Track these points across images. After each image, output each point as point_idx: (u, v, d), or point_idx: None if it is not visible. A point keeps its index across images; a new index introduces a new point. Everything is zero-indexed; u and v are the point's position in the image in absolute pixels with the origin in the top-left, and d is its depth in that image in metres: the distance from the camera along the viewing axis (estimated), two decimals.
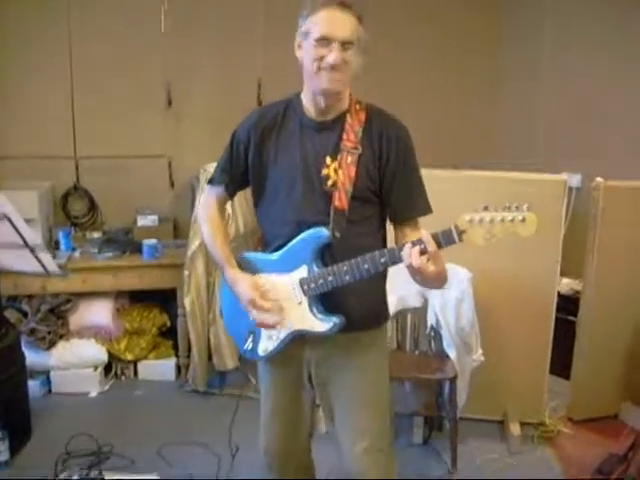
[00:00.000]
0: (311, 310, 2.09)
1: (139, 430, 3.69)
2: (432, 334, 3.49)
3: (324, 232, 2.03)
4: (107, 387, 4.25)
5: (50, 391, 4.15)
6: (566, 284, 4.20)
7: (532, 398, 3.72)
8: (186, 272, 4.01)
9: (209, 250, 2.33)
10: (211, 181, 2.30)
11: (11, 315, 4.06)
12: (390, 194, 2.11)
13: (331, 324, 2.06)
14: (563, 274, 3.74)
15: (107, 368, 4.30)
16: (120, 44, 4.60)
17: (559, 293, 3.72)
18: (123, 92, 4.65)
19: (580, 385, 3.79)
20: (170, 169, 4.82)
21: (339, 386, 2.23)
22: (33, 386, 3.91)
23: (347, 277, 1.99)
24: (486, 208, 1.81)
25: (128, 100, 4.67)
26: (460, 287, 3.31)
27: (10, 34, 4.47)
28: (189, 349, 4.19)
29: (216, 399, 4.06)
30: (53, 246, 4.33)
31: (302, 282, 2.07)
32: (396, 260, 1.94)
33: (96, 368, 4.21)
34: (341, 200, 2.03)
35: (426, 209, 2.14)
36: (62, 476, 3.15)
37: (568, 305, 3.98)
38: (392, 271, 2.11)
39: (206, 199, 2.33)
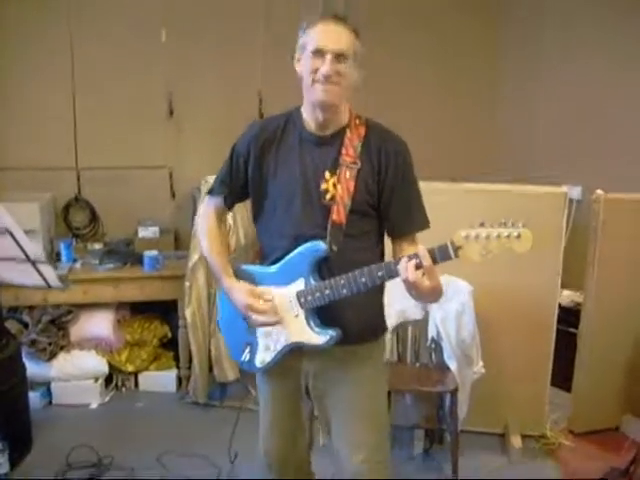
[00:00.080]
0: (308, 323, 2.09)
1: (140, 441, 3.68)
2: (433, 346, 3.49)
3: (321, 246, 2.04)
4: (108, 398, 4.24)
5: (51, 402, 4.14)
6: (567, 296, 4.19)
7: (533, 410, 3.72)
8: (187, 283, 4.01)
9: (207, 261, 2.34)
10: (210, 192, 2.32)
11: (12, 326, 4.06)
12: (388, 208, 2.12)
13: (328, 337, 2.07)
14: (564, 286, 3.73)
15: (108, 379, 4.30)
16: (121, 55, 4.62)
17: (560, 305, 3.71)
18: (124, 103, 4.67)
19: (581, 397, 3.78)
20: (171, 180, 4.83)
21: (336, 399, 2.23)
22: (34, 397, 3.91)
23: (344, 290, 2.00)
24: (482, 224, 1.82)
25: (129, 111, 4.69)
26: (461, 299, 3.31)
27: (11, 35, 4.50)
28: (190, 360, 4.19)
29: (217, 411, 4.05)
30: (54, 257, 4.33)
31: (299, 295, 2.08)
32: (392, 274, 1.95)
33: (97, 379, 4.20)
34: (339, 214, 2.05)
35: (424, 224, 2.15)
36: None
37: (569, 317, 3.97)
38: (392, 283, 2.11)
39: (205, 210, 2.35)
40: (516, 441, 3.60)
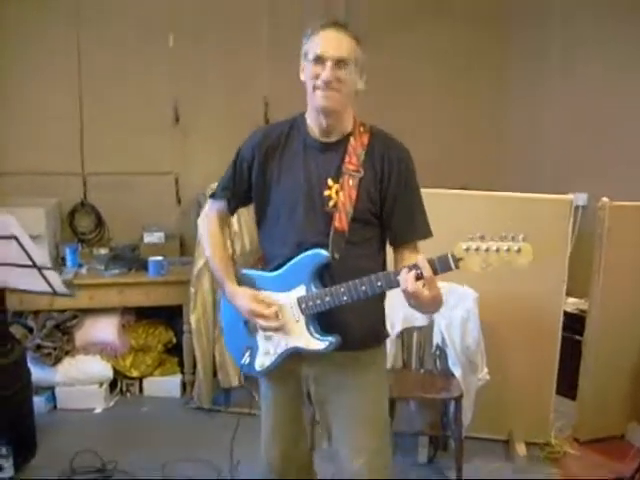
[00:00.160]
0: (308, 329, 2.10)
1: (144, 447, 3.68)
2: (437, 353, 3.48)
3: (323, 253, 2.04)
4: (112, 403, 4.25)
5: (55, 407, 4.15)
6: (572, 303, 4.19)
7: (538, 418, 3.70)
8: (192, 289, 4.01)
9: (209, 264, 2.35)
10: (213, 196, 2.32)
11: (17, 331, 4.07)
12: (391, 217, 2.12)
13: (327, 343, 2.07)
14: (569, 293, 3.73)
15: (112, 384, 4.31)
16: (127, 61, 4.64)
17: (565, 312, 3.71)
18: (130, 109, 4.69)
19: (586, 405, 3.77)
20: (177, 186, 4.84)
21: (337, 405, 2.23)
22: (38, 402, 3.92)
23: (345, 298, 2.00)
24: (482, 237, 1.82)
25: (135, 117, 4.71)
26: (466, 306, 3.31)
27: (11, 35, 4.53)
28: (194, 366, 4.19)
29: (221, 416, 4.05)
30: (60, 262, 4.35)
31: (300, 301, 2.09)
32: (392, 284, 1.95)
33: (101, 384, 4.21)
34: (341, 222, 2.05)
35: (426, 233, 2.15)
36: None
37: (574, 324, 3.97)
38: (396, 291, 2.12)
39: (207, 214, 2.35)
40: (520, 449, 3.59)
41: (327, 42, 1.99)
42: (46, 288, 2.53)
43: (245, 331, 2.23)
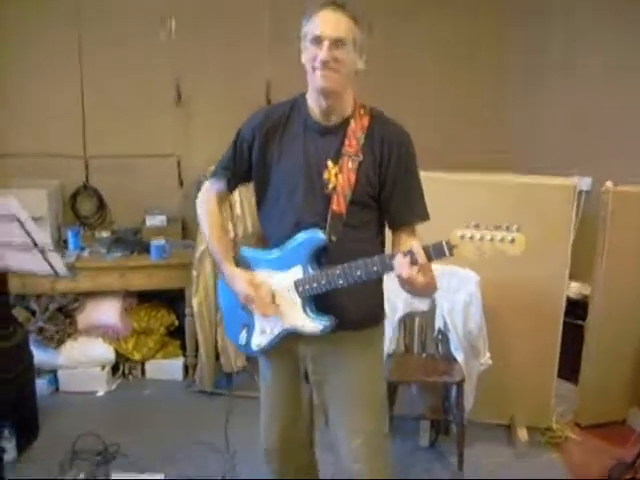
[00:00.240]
0: (304, 310, 2.11)
1: (146, 429, 3.70)
2: (440, 337, 3.49)
3: (320, 235, 2.05)
4: (114, 386, 4.26)
5: (58, 390, 4.17)
6: (575, 288, 4.18)
7: (539, 403, 3.71)
8: (194, 272, 4.01)
9: (207, 243, 2.35)
10: (213, 175, 2.33)
11: (19, 314, 4.08)
12: (389, 199, 2.12)
13: (323, 325, 2.09)
14: (571, 278, 3.72)
15: (115, 367, 4.32)
16: (129, 44, 4.60)
17: (567, 297, 3.70)
18: (132, 91, 4.66)
19: (588, 390, 3.77)
20: (179, 168, 4.82)
21: (334, 385, 2.25)
22: (41, 384, 3.93)
23: (340, 281, 2.01)
24: (477, 226, 1.82)
25: (137, 100, 4.68)
26: (468, 290, 3.31)
27: (13, 31, 4.49)
28: (197, 349, 4.20)
29: (223, 399, 4.05)
30: (62, 245, 4.34)
31: (297, 284, 2.10)
32: (387, 269, 1.96)
33: (104, 367, 4.22)
34: (339, 204, 2.06)
35: (424, 216, 2.15)
36: (69, 475, 3.17)
37: (576, 309, 3.96)
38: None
39: (207, 193, 2.35)
40: (522, 434, 3.60)
41: (325, 23, 1.99)
42: (48, 270, 2.52)
43: (242, 310, 2.24)
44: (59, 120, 4.60)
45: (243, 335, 2.28)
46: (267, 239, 2.24)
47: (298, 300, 2.11)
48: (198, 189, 2.39)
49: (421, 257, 1.86)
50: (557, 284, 3.57)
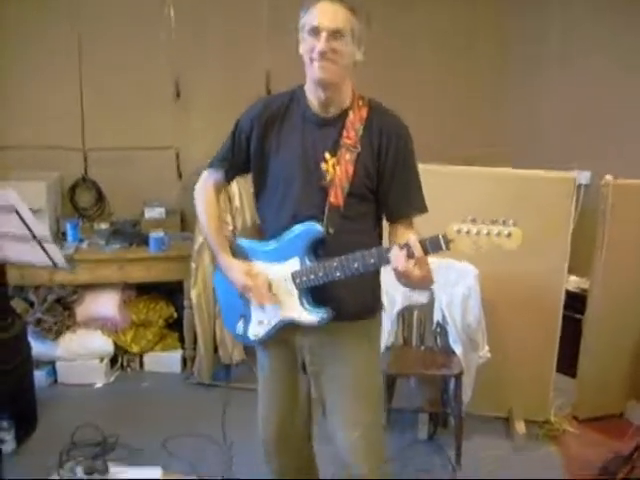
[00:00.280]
0: (301, 302, 2.12)
1: (144, 421, 3.70)
2: (438, 330, 3.49)
3: (317, 227, 2.06)
4: (113, 378, 4.27)
5: (56, 381, 4.17)
6: (573, 282, 4.18)
7: (538, 396, 3.71)
8: (193, 265, 4.01)
9: (204, 233, 2.36)
10: (211, 166, 2.32)
11: (17, 305, 4.07)
12: (387, 192, 2.12)
13: (319, 317, 2.10)
14: (570, 272, 3.71)
15: (113, 359, 4.32)
16: (128, 36, 4.59)
17: (566, 291, 3.70)
18: (131, 84, 4.64)
19: (586, 383, 3.78)
20: (178, 161, 4.81)
21: (331, 376, 2.25)
22: (39, 376, 3.93)
23: (337, 273, 2.02)
24: (474, 220, 1.82)
25: (136, 92, 4.66)
26: (467, 283, 3.31)
27: (13, 27, 4.48)
28: (195, 341, 4.20)
29: (221, 391, 4.06)
30: (60, 237, 4.33)
31: (294, 275, 2.10)
32: (384, 262, 1.96)
33: (102, 359, 4.22)
34: (337, 197, 2.06)
35: (422, 208, 2.15)
36: (67, 466, 3.17)
37: (575, 303, 3.96)
38: None
39: (204, 183, 2.35)
40: (520, 426, 3.60)
41: (322, 14, 1.98)
42: (46, 261, 2.52)
43: (239, 300, 2.25)
44: (58, 113, 4.59)
45: (240, 325, 2.29)
46: (264, 230, 2.24)
47: (295, 291, 2.11)
48: (197, 181, 2.39)
49: (417, 250, 1.86)
50: (556, 277, 3.57)
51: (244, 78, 4.72)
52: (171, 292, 4.47)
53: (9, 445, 3.24)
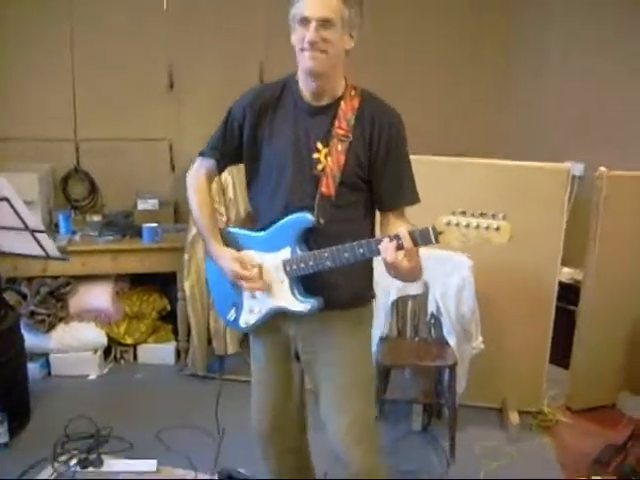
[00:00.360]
0: (292, 290, 2.12)
1: (138, 413, 3.70)
2: (432, 321, 3.49)
3: (308, 218, 2.06)
4: (106, 370, 4.26)
5: (49, 374, 4.16)
6: (567, 273, 4.19)
7: (531, 387, 3.72)
8: (186, 256, 4.00)
9: (195, 220, 2.35)
10: (202, 154, 2.31)
11: (10, 297, 4.05)
12: (380, 181, 2.12)
13: (309, 306, 2.10)
14: (563, 263, 3.72)
15: (106, 351, 4.31)
16: (121, 27, 4.57)
17: (560, 282, 3.70)
18: (124, 75, 4.63)
19: (579, 374, 3.79)
20: (171, 152, 4.80)
21: (323, 364, 2.25)
22: (32, 368, 3.92)
23: (328, 263, 2.02)
24: (464, 213, 1.82)
25: (129, 83, 4.65)
26: (461, 275, 3.31)
27: (10, 21, 4.45)
28: (189, 333, 4.19)
29: (215, 383, 4.05)
30: (53, 229, 4.32)
31: (285, 263, 2.10)
32: (374, 253, 1.96)
33: (96, 351, 4.21)
34: (328, 187, 2.06)
35: (414, 199, 2.15)
36: (61, 459, 3.17)
37: (569, 294, 3.97)
38: None
39: (196, 171, 2.33)
40: (514, 417, 3.61)
41: (312, 3, 1.96)
42: (39, 252, 2.51)
43: (231, 288, 2.25)
44: (50, 104, 4.57)
45: (232, 313, 2.30)
46: (256, 219, 2.24)
47: (286, 280, 2.12)
48: None
49: (407, 242, 1.86)
50: (549, 269, 3.58)
51: (238, 69, 4.70)
52: (164, 284, 4.47)
53: (2, 438, 3.23)
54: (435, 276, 3.33)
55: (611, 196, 3.51)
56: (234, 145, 2.21)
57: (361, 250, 1.97)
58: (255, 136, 2.16)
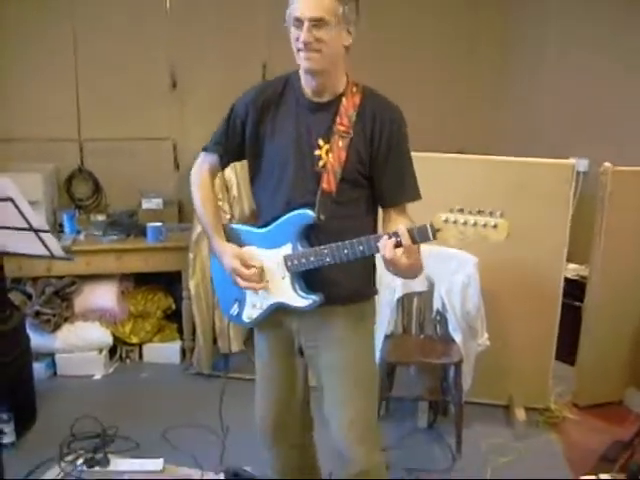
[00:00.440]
0: (293, 286, 2.13)
1: (144, 413, 3.70)
2: (438, 318, 3.48)
3: (309, 214, 2.06)
4: (112, 370, 4.26)
5: (55, 373, 4.16)
6: (572, 269, 4.18)
7: (537, 383, 3.71)
8: (191, 255, 4.00)
9: (198, 215, 2.36)
10: (205, 149, 2.32)
11: (15, 297, 4.06)
12: (381, 177, 2.13)
13: (310, 301, 2.11)
14: (569, 259, 3.71)
15: (112, 351, 4.32)
16: (125, 28, 4.57)
17: (565, 278, 3.70)
18: (128, 75, 4.63)
19: (585, 371, 3.78)
20: (175, 152, 4.81)
21: (326, 359, 2.25)
22: (38, 368, 3.92)
23: (328, 259, 2.03)
24: (461, 210, 1.82)
25: (133, 83, 4.65)
26: (466, 271, 3.31)
27: (11, 21, 4.46)
28: (194, 332, 4.19)
29: (220, 381, 4.05)
30: (57, 229, 4.32)
31: (286, 259, 2.11)
32: (373, 250, 1.97)
33: (101, 351, 4.22)
34: (329, 183, 2.07)
35: (415, 195, 2.15)
36: (67, 458, 3.17)
37: (574, 290, 3.96)
38: None
39: (199, 166, 2.34)
40: (520, 414, 3.60)
41: (304, 3, 1.97)
42: (44, 251, 2.50)
43: (233, 284, 2.25)
44: (54, 103, 4.58)
45: (235, 308, 2.31)
46: (259, 215, 2.25)
47: (287, 275, 2.12)
48: None
49: (405, 239, 1.87)
50: (555, 265, 3.57)
51: (240, 69, 4.70)
52: (169, 283, 4.47)
53: (9, 438, 3.24)
54: (440, 273, 3.33)
55: (616, 192, 3.50)
56: (236, 142, 2.21)
57: (360, 247, 1.98)
58: (257, 133, 2.16)
